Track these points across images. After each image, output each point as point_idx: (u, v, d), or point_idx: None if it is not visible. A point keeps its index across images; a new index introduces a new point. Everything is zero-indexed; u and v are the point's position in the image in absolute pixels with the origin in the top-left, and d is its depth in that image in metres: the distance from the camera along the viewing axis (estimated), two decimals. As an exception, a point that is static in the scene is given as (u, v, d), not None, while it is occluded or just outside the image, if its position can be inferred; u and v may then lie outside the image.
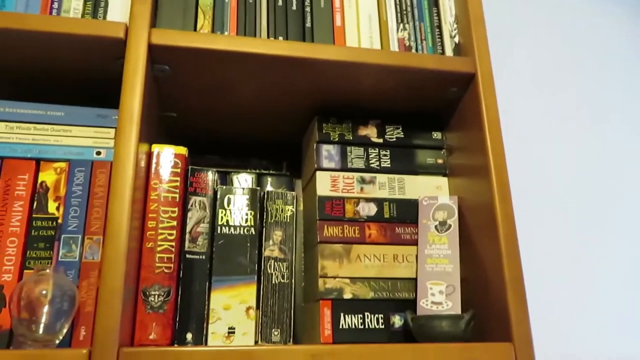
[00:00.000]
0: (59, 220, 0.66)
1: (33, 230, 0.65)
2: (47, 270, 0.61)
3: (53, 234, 0.65)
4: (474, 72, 0.75)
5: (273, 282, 0.72)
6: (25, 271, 0.64)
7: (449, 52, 0.80)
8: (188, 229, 0.70)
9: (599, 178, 1.24)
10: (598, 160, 1.26)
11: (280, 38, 0.74)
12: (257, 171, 0.92)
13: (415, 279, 0.75)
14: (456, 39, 0.81)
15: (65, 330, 0.59)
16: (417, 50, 0.79)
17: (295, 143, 0.96)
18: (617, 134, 1.29)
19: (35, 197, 0.67)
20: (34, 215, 0.66)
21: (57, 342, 0.58)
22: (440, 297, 0.71)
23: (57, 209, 0.67)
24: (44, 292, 0.59)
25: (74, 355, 0.53)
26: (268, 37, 0.74)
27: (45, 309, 0.59)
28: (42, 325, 0.58)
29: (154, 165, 0.70)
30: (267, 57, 0.70)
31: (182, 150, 0.72)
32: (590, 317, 1.12)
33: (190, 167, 0.73)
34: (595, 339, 1.10)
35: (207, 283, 0.69)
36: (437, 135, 0.84)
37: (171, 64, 0.71)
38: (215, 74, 0.74)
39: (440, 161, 0.83)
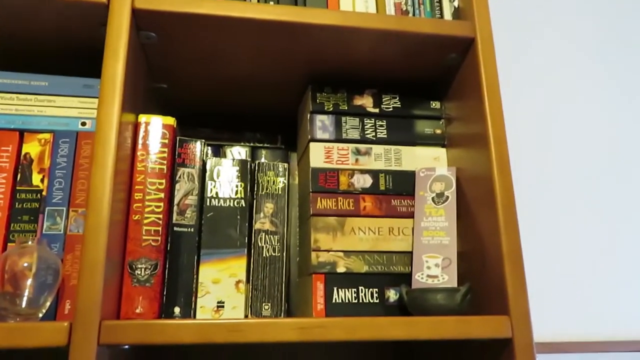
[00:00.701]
0: (44, 193, 0.64)
1: (17, 203, 0.64)
2: (30, 243, 0.59)
3: (37, 206, 0.64)
4: (474, 37, 0.71)
5: (264, 255, 0.71)
6: (8, 244, 0.62)
7: (447, 16, 0.77)
8: (176, 201, 0.68)
9: (604, 147, 1.20)
10: (602, 129, 1.22)
11: (271, 2, 0.71)
12: (251, 144, 0.90)
13: (411, 253, 0.73)
14: (455, 3, 0.77)
15: (48, 304, 0.58)
16: (414, 14, 0.75)
17: (290, 116, 0.93)
18: (623, 99, 1.25)
19: (19, 168, 0.65)
20: (17, 188, 0.64)
21: (41, 315, 0.57)
22: (436, 270, 0.69)
23: (42, 181, 0.65)
24: (27, 264, 0.58)
25: (55, 328, 0.51)
26: (258, 1, 0.71)
27: (29, 282, 0.57)
28: (25, 299, 0.57)
29: (141, 136, 0.68)
30: (256, 22, 0.67)
31: (170, 120, 0.70)
32: (593, 291, 1.10)
33: (178, 137, 0.71)
34: (598, 315, 1.08)
35: (196, 256, 0.67)
36: (435, 104, 0.81)
37: (157, 31, 0.69)
38: (203, 42, 0.71)
39: (438, 131, 0.80)
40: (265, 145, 0.90)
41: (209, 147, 0.87)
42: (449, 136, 0.79)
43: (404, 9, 0.75)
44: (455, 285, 0.68)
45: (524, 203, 1.12)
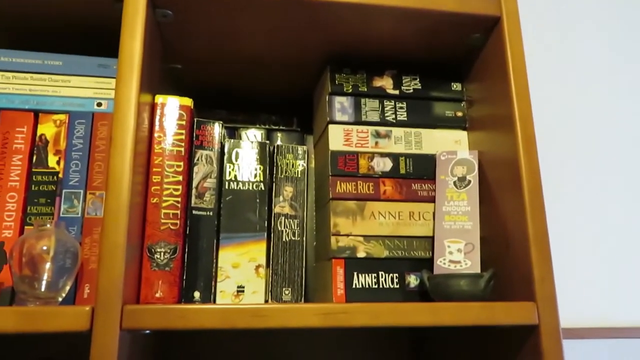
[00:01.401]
0: (60, 175, 0.63)
1: (33, 185, 0.63)
2: (48, 226, 0.58)
3: (54, 188, 0.63)
4: (499, 15, 0.69)
5: (284, 239, 0.69)
6: (25, 227, 0.61)
7: (471, -6, 0.74)
8: (194, 184, 0.67)
9: (631, 130, 1.18)
10: (631, 111, 1.19)
11: (290, -20, 0.69)
12: (267, 127, 0.88)
13: (432, 237, 0.71)
14: (480, -19, 0.74)
15: (68, 288, 0.57)
16: (437, -8, 0.73)
17: (306, 98, 0.91)
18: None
19: (35, 150, 0.64)
20: (33, 170, 0.63)
21: (60, 299, 0.56)
22: (458, 255, 0.68)
23: (58, 163, 0.64)
24: (45, 248, 0.57)
25: (77, 313, 0.50)
26: (276, -21, 0.69)
27: (47, 265, 0.56)
28: (44, 283, 0.56)
29: (157, 117, 0.66)
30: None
31: (187, 101, 0.68)
32: (618, 277, 1.08)
33: (195, 119, 0.69)
34: (625, 301, 1.07)
35: (215, 240, 0.66)
36: (456, 86, 0.79)
37: (173, 8, 0.67)
38: (220, 20, 0.69)
39: (459, 114, 0.78)
40: (281, 127, 0.88)
41: (225, 130, 0.86)
42: (470, 119, 0.77)
43: (427, -14, 0.73)
44: (479, 270, 0.67)
45: (547, 186, 1.10)
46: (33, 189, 0.62)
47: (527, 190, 0.63)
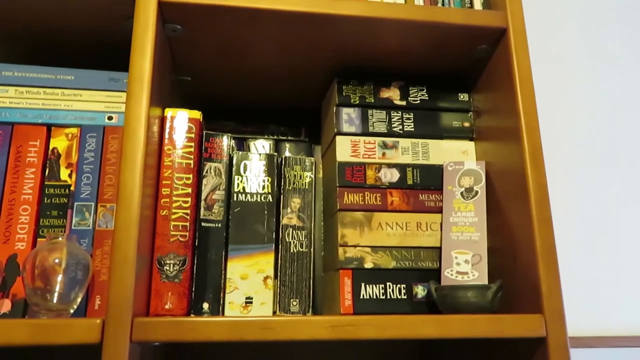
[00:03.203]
0: (72, 188, 0.64)
1: (46, 198, 0.64)
2: (60, 239, 0.59)
3: (66, 201, 0.64)
4: (505, 27, 0.69)
5: (291, 251, 0.70)
6: (38, 239, 0.62)
7: (477, 6, 0.75)
8: (203, 196, 0.68)
9: (635, 142, 1.17)
10: (638, 120, 1.19)
11: (297, -6, 0.70)
12: (275, 137, 0.89)
13: (440, 248, 0.71)
14: (486, -8, 0.75)
15: (79, 300, 0.58)
16: (443, 4, 0.74)
17: (314, 108, 0.92)
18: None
19: (47, 163, 0.65)
20: (46, 183, 0.64)
21: (72, 311, 0.57)
22: (466, 266, 0.68)
23: (70, 176, 0.65)
24: (57, 260, 0.58)
25: (88, 325, 0.51)
26: (284, -8, 0.70)
27: (59, 277, 0.57)
28: (56, 294, 0.57)
29: (167, 130, 0.67)
30: (283, 13, 0.66)
31: (197, 114, 0.69)
32: (625, 287, 1.08)
33: (204, 132, 0.70)
34: (624, 312, 1.06)
35: (224, 252, 0.67)
36: (463, 97, 0.79)
37: (183, 23, 0.68)
38: (229, 34, 0.70)
39: (466, 124, 0.78)
40: (289, 138, 0.89)
41: (233, 141, 0.86)
42: (478, 129, 0.77)
43: (433, -2, 0.74)
44: (486, 282, 0.67)
45: (553, 197, 1.10)
46: (45, 201, 0.64)
47: (534, 201, 0.63)
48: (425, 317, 0.58)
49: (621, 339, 1.04)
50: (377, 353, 0.91)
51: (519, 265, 0.65)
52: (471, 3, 0.75)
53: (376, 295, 0.69)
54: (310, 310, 0.69)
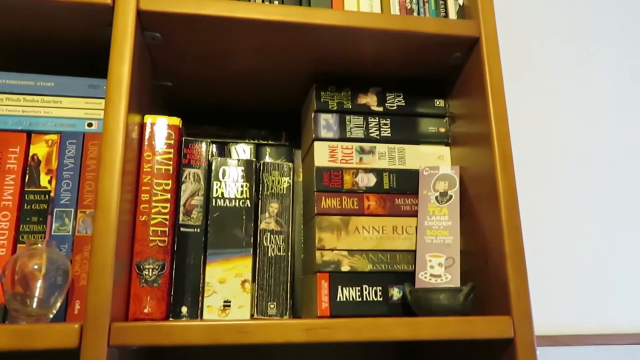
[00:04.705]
0: (52, 194, 0.65)
1: (25, 204, 0.65)
2: (40, 245, 0.60)
3: (46, 207, 0.65)
4: (478, 36, 0.71)
5: (269, 255, 0.71)
6: (18, 245, 0.63)
7: (452, 15, 0.76)
8: (182, 201, 0.69)
9: (608, 146, 1.20)
10: (608, 128, 1.22)
11: (276, 2, 0.71)
12: (256, 141, 0.90)
13: (415, 251, 0.73)
14: (460, 1, 0.77)
15: (59, 305, 0.59)
16: (419, 13, 0.75)
17: (295, 112, 0.93)
18: (629, 94, 1.25)
19: (27, 170, 0.66)
20: (26, 189, 0.65)
21: (51, 316, 0.58)
22: (439, 269, 0.70)
23: (50, 182, 0.66)
24: (37, 266, 0.59)
25: (66, 330, 0.52)
26: (263, 1, 0.71)
27: (39, 283, 0.58)
28: (35, 300, 0.58)
29: (146, 137, 0.68)
30: (261, 22, 0.67)
31: (176, 121, 0.70)
32: (593, 287, 1.11)
33: (184, 138, 0.71)
34: (599, 310, 1.09)
35: (202, 256, 0.68)
36: (439, 102, 0.81)
37: (162, 31, 0.69)
38: (209, 41, 0.72)
39: (442, 130, 0.80)
40: (270, 142, 0.90)
41: (214, 145, 0.88)
42: (453, 135, 0.79)
43: (409, 7, 0.75)
44: (459, 284, 0.69)
45: (526, 200, 1.12)
46: (25, 207, 0.64)
47: (504, 206, 0.65)
48: (398, 319, 0.60)
49: (597, 337, 1.07)
50: (356, 353, 0.93)
51: (490, 267, 0.67)
52: (446, 12, 0.76)
53: (353, 298, 0.71)
54: (289, 312, 0.71)
